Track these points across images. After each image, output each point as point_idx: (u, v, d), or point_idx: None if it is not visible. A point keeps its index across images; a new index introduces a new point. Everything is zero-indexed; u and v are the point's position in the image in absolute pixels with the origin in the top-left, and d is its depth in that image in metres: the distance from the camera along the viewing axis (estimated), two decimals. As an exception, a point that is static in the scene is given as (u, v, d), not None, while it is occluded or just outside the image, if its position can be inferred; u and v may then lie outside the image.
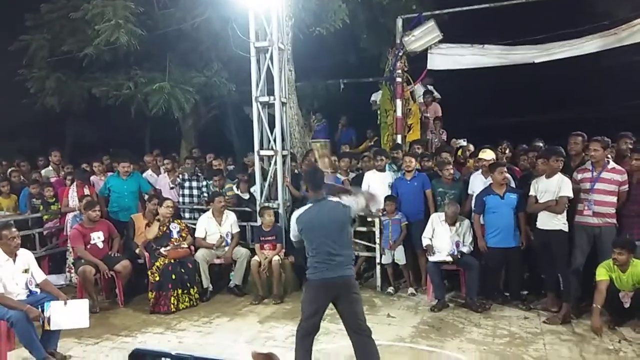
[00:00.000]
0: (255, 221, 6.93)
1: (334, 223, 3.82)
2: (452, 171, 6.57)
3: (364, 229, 6.61)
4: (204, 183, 7.69)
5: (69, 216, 7.25)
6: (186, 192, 7.72)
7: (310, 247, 3.85)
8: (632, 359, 4.41)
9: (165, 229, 6.33)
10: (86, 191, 7.33)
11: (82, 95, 9.40)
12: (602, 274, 4.97)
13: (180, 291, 5.97)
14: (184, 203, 7.71)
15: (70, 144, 12.67)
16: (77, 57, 8.56)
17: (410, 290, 6.44)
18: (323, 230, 3.79)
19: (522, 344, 4.80)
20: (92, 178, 7.82)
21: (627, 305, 4.97)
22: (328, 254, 3.76)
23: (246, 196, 7.58)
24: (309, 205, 3.95)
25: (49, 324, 4.45)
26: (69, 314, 4.56)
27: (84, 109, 9.98)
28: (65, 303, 4.55)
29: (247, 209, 7.32)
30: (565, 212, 5.34)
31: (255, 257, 6.37)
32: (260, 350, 3.52)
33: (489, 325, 5.34)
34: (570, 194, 5.31)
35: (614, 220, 5.29)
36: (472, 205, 6.20)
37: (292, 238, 4.04)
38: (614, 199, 5.28)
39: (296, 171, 7.58)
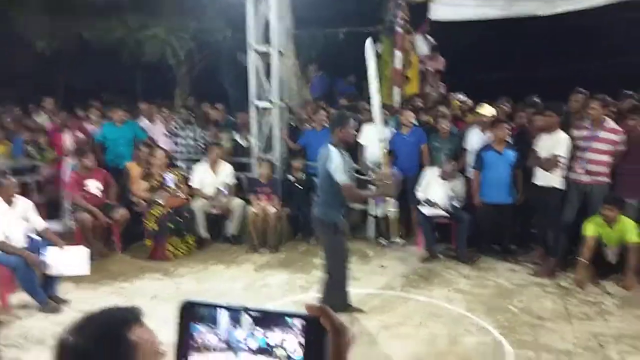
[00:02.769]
0: (251, 172, 6.96)
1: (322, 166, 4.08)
2: (448, 125, 6.56)
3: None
4: (200, 132, 7.64)
5: (67, 163, 7.23)
6: (181, 141, 7.68)
7: (339, 191, 4.04)
8: (612, 311, 4.60)
9: (160, 178, 6.35)
10: (80, 135, 7.28)
11: (73, 40, 9.17)
12: (589, 229, 5.10)
13: (177, 239, 6.08)
14: (179, 152, 7.69)
15: (62, 91, 12.45)
16: (68, 1, 8.30)
17: (399, 240, 6.57)
18: None
19: (508, 295, 4.98)
20: (88, 126, 7.75)
21: (612, 261, 5.13)
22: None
23: (246, 144, 7.55)
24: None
25: (49, 269, 4.55)
26: (67, 260, 4.66)
27: (75, 55, 9.76)
28: (62, 247, 4.63)
29: (243, 159, 7.33)
30: (561, 169, 5.39)
31: (251, 208, 6.45)
32: (255, 295, 3.64)
33: (477, 276, 5.51)
34: (562, 153, 5.33)
35: (606, 179, 5.35)
36: (469, 160, 6.24)
37: (342, 183, 3.98)
38: (609, 158, 5.31)
39: (292, 124, 7.55)
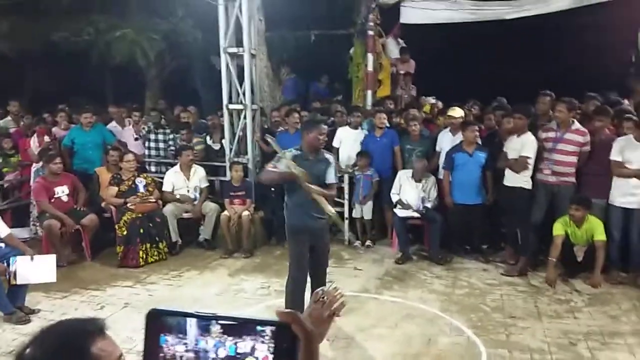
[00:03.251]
0: (224, 175, 6.89)
1: None
2: (418, 127, 6.64)
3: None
4: (171, 136, 7.53)
5: (34, 167, 7.04)
6: (152, 144, 7.56)
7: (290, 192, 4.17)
8: (581, 308, 4.72)
9: (131, 183, 6.24)
10: (46, 139, 7.09)
11: (40, 41, 8.92)
12: (558, 229, 5.22)
13: (148, 245, 5.97)
14: (149, 156, 7.56)
15: (28, 94, 12.10)
16: (34, 0, 8.07)
17: (368, 242, 6.61)
18: None
19: (481, 295, 5.06)
20: (54, 130, 7.55)
21: (580, 259, 5.27)
22: None
23: (217, 146, 7.48)
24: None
25: (15, 278, 4.41)
26: (35, 268, 4.53)
27: (42, 56, 9.50)
28: (32, 258, 4.51)
29: (216, 162, 7.25)
30: (528, 170, 5.50)
31: (225, 212, 6.39)
32: (230, 300, 3.59)
33: (450, 276, 5.58)
34: (530, 154, 5.44)
35: (573, 179, 5.49)
36: (440, 162, 6.33)
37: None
38: (574, 159, 5.45)
39: (266, 126, 7.51)
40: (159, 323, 0.71)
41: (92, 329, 1.07)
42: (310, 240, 4.12)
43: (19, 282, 4.43)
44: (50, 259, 4.69)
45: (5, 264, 4.38)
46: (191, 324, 0.70)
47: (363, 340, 4.09)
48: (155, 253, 6.05)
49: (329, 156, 4.21)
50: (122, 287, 5.30)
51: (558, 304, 4.82)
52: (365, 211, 6.59)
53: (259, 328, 0.67)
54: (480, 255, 6.08)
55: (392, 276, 5.59)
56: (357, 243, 6.65)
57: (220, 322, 0.69)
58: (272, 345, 0.67)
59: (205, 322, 0.70)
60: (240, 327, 0.68)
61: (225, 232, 6.36)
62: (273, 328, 0.67)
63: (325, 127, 4.17)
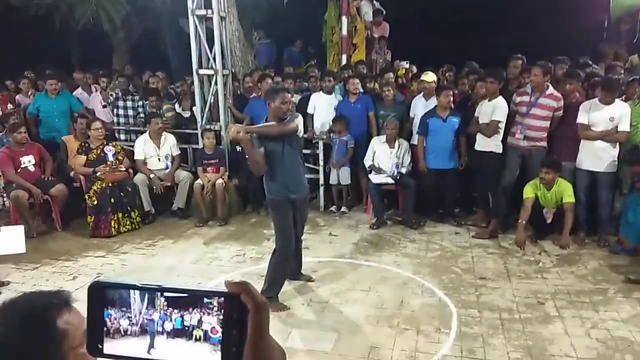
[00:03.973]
0: (197, 143, 6.78)
1: None
2: (392, 93, 6.60)
3: (308, 150, 6.64)
4: (140, 103, 7.32)
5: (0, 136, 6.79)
6: (120, 112, 7.36)
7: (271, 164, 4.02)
8: (549, 268, 4.86)
9: (99, 151, 6.09)
10: (9, 107, 6.84)
11: (-1, 4, 8.50)
12: (528, 191, 5.32)
13: (120, 215, 5.87)
14: (118, 124, 7.37)
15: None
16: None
17: (344, 208, 6.64)
18: None
19: (452, 257, 5.16)
20: (18, 97, 7.28)
21: (549, 221, 5.39)
22: None
23: (187, 114, 7.33)
24: None
25: None
26: (3, 240, 4.41)
27: (3, 20, 9.05)
28: None
29: (187, 130, 7.11)
30: (499, 134, 5.55)
31: (198, 181, 6.31)
32: (206, 268, 3.57)
33: (423, 240, 5.67)
34: (501, 118, 5.48)
35: (544, 144, 5.56)
36: (414, 127, 6.33)
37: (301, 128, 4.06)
38: (547, 123, 5.50)
39: (239, 92, 7.37)
40: (102, 296, 0.68)
41: (57, 301, 1.03)
42: (293, 211, 4.09)
43: None
44: (19, 230, 4.57)
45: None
46: (135, 297, 0.67)
47: (338, 304, 4.15)
48: (128, 222, 5.97)
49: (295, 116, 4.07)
50: (95, 258, 5.24)
51: (527, 264, 4.95)
52: (342, 177, 6.58)
53: (205, 300, 0.65)
54: (453, 219, 6.17)
55: (367, 241, 5.65)
56: (333, 208, 6.68)
57: (165, 294, 0.66)
58: (221, 316, 0.64)
59: (149, 294, 0.67)
60: (186, 299, 0.66)
61: (199, 200, 6.29)
62: (221, 299, 0.65)
63: (288, 94, 4.06)
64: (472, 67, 7.08)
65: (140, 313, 0.66)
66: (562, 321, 3.83)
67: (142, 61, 9.81)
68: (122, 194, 5.94)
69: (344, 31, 8.24)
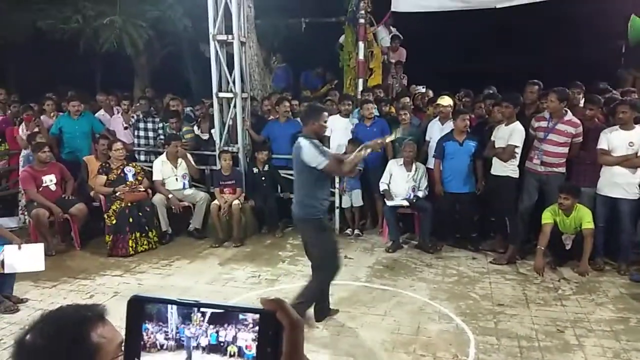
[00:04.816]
0: (215, 165, 6.86)
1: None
2: (408, 117, 6.63)
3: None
4: (160, 125, 7.46)
5: (23, 154, 6.94)
6: (141, 133, 7.49)
7: (322, 183, 3.91)
8: (569, 295, 4.77)
9: (119, 172, 6.20)
10: (35, 129, 7.00)
11: (26, 28, 8.77)
12: (547, 217, 5.26)
13: (138, 234, 5.94)
14: (139, 145, 7.50)
15: (14, 82, 11.92)
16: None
17: (357, 231, 6.63)
18: None
19: (470, 283, 5.10)
20: (42, 118, 7.45)
21: (568, 247, 5.31)
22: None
23: (206, 136, 7.44)
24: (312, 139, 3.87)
25: (2, 267, 4.37)
26: (23, 257, 4.48)
27: (29, 44, 9.35)
28: (20, 247, 4.46)
29: (206, 152, 7.21)
30: (516, 159, 5.52)
31: (215, 201, 6.36)
32: (221, 289, 3.56)
33: (440, 265, 5.62)
34: (517, 143, 5.45)
35: (562, 169, 5.50)
36: (430, 151, 6.34)
37: (323, 166, 3.75)
38: (565, 149, 5.44)
39: (257, 115, 7.47)
40: (140, 310, 0.70)
41: (92, 315, 1.05)
42: None
43: (6, 271, 4.39)
44: (39, 248, 4.65)
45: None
46: (172, 312, 0.69)
47: (354, 328, 4.12)
48: (145, 242, 6.02)
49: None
50: (112, 277, 5.28)
51: (546, 291, 4.87)
52: (354, 199, 6.60)
53: (241, 316, 0.66)
54: (470, 243, 6.12)
55: (382, 265, 5.62)
56: (348, 231, 6.67)
57: (202, 310, 0.68)
58: (256, 333, 0.66)
59: (186, 309, 0.69)
60: (222, 316, 0.67)
61: (215, 221, 6.34)
62: (256, 316, 0.66)
63: (327, 114, 4.10)
64: (490, 92, 7.09)
65: (176, 328, 0.68)
66: (582, 350, 3.74)
67: (162, 84, 10.01)
68: (140, 213, 6.02)
69: (361, 56, 8.33)
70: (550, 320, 4.24)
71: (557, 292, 4.86)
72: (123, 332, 0.96)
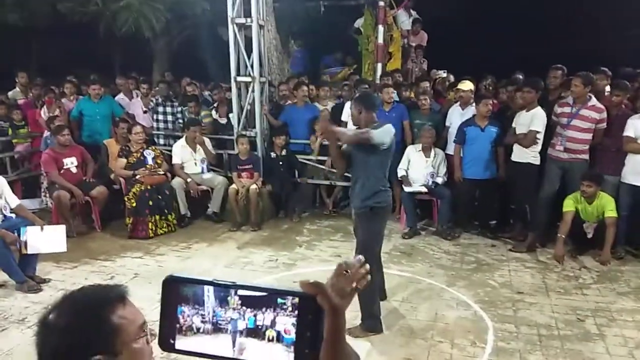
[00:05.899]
0: (232, 149, 6.87)
1: None
2: (428, 102, 6.54)
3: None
4: (179, 108, 7.48)
5: (45, 136, 7.02)
6: (160, 117, 7.52)
7: (382, 169, 3.74)
8: (589, 284, 4.71)
9: (139, 155, 6.24)
10: (57, 112, 7.08)
11: (46, 12, 8.83)
12: (569, 205, 5.18)
13: (157, 217, 6.00)
14: (158, 129, 7.54)
15: (35, 65, 12.05)
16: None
17: None
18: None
19: (488, 270, 5.06)
20: (63, 101, 7.53)
21: (589, 236, 5.23)
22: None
23: (224, 121, 7.45)
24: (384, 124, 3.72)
25: (25, 248, 4.47)
26: (46, 238, 4.58)
27: (49, 27, 9.41)
28: (42, 228, 4.55)
29: (224, 136, 7.22)
30: (537, 145, 5.41)
31: (233, 185, 6.39)
32: (239, 273, 3.56)
33: (458, 252, 5.58)
34: (539, 129, 5.34)
35: (586, 156, 5.39)
36: (449, 137, 6.25)
37: (375, 138, 3.56)
38: (589, 136, 5.33)
39: (274, 99, 7.44)
40: (176, 292, 0.69)
41: (113, 295, 1.06)
42: None
43: (29, 252, 4.49)
44: (60, 229, 4.74)
45: (16, 234, 4.42)
46: (209, 294, 0.68)
47: (370, 314, 4.11)
48: (165, 225, 6.08)
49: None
50: (132, 258, 5.35)
51: (566, 280, 4.81)
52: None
53: (279, 300, 0.65)
54: (489, 231, 6.05)
55: (400, 251, 5.60)
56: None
57: (239, 292, 0.66)
58: (295, 317, 0.64)
59: (223, 292, 0.67)
60: (260, 299, 0.66)
61: (233, 205, 6.37)
62: (295, 300, 0.65)
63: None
64: (514, 78, 6.92)
65: (213, 311, 0.67)
66: (603, 340, 3.70)
67: (181, 68, 10.03)
68: (159, 197, 6.07)
69: (380, 40, 8.22)
70: (570, 309, 4.19)
71: (578, 280, 4.80)
72: (146, 313, 0.96)
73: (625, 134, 5.15)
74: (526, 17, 9.99)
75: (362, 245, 3.85)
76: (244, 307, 0.66)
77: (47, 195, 6.56)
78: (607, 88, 5.74)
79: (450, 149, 6.24)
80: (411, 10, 9.29)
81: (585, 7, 9.50)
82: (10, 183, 6.55)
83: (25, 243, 4.45)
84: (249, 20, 6.53)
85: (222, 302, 0.67)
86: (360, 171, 3.74)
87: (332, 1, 9.15)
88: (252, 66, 6.64)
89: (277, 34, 8.14)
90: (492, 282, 4.76)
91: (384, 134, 3.63)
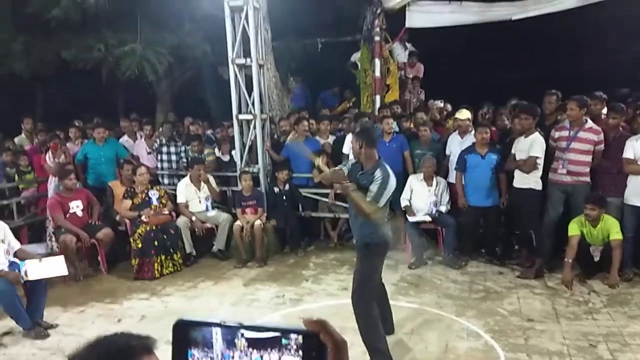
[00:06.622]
0: (236, 185, 6.93)
1: None
2: (428, 132, 6.62)
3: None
4: (182, 148, 7.59)
5: (51, 183, 7.11)
6: (164, 157, 7.62)
7: (384, 207, 3.71)
8: (600, 309, 4.65)
9: (144, 196, 6.30)
10: (62, 157, 7.19)
11: (51, 60, 9.07)
12: (574, 229, 5.17)
13: (163, 257, 6.01)
14: (162, 169, 7.63)
15: (41, 111, 12.30)
16: (44, 19, 8.20)
17: None
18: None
19: (497, 298, 5.01)
20: (68, 145, 7.65)
21: (596, 259, 5.20)
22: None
23: (226, 158, 7.54)
24: (385, 164, 3.76)
25: (27, 275, 4.47)
26: (45, 267, 4.62)
27: (54, 73, 9.65)
28: (40, 260, 4.59)
29: (227, 173, 7.30)
30: (538, 170, 5.45)
31: (238, 222, 6.41)
32: (245, 310, 3.52)
33: (466, 281, 5.54)
34: (539, 154, 5.38)
35: (587, 179, 5.43)
36: (450, 165, 6.30)
37: (381, 205, 3.64)
38: (589, 158, 5.39)
39: (275, 135, 7.54)
40: (186, 335, 0.72)
41: (139, 345, 1.07)
42: None
43: (31, 278, 4.47)
44: (59, 258, 4.78)
45: (17, 271, 4.44)
46: (217, 337, 0.70)
47: (380, 347, 4.07)
48: (170, 265, 6.09)
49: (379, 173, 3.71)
50: (139, 300, 5.34)
51: (576, 305, 4.76)
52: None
53: (284, 341, 0.68)
54: (495, 258, 6.03)
55: (407, 282, 5.57)
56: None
57: (245, 334, 0.69)
58: (300, 357, 0.67)
59: (230, 334, 0.70)
60: (265, 340, 0.69)
61: (238, 241, 6.38)
62: (299, 338, 0.67)
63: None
64: (513, 103, 6.99)
65: (222, 354, 0.70)
66: (617, 365, 3.64)
67: (184, 108, 10.22)
68: (165, 236, 6.09)
69: (377, 73, 8.38)
70: (581, 334, 4.14)
71: (588, 305, 4.75)
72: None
73: (625, 155, 5.19)
74: (521, 43, 10.18)
75: (357, 278, 3.82)
76: (251, 349, 0.69)
77: (53, 239, 6.59)
78: (604, 111, 5.82)
79: (452, 177, 6.28)
80: (406, 43, 9.49)
81: (579, 31, 9.69)
82: (17, 228, 6.64)
83: (26, 272, 4.47)
84: (248, 60, 6.70)
85: (230, 344, 0.70)
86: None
87: (328, 38, 9.39)
88: (253, 104, 6.78)
89: (276, 72, 8.32)
90: (502, 310, 4.72)
91: (387, 193, 3.66)
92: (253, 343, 0.69)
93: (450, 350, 3.98)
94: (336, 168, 4.00)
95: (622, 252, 5.04)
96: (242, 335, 0.69)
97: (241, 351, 0.69)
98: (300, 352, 0.67)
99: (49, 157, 7.29)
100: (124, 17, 8.89)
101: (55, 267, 4.65)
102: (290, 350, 0.67)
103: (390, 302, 4.96)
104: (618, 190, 5.33)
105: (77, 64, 8.89)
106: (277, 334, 0.68)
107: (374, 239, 3.73)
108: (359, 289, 3.75)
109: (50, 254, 6.69)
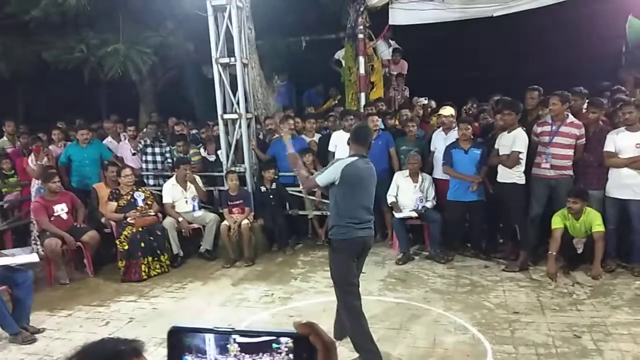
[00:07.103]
0: (222, 185, 6.92)
1: (373, 184, 3.77)
2: (415, 128, 6.68)
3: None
4: (167, 148, 7.55)
5: (34, 186, 7.03)
6: (149, 158, 7.57)
7: (343, 202, 3.63)
8: (584, 300, 4.75)
9: (129, 197, 6.26)
10: (45, 160, 7.10)
11: (31, 61, 8.94)
12: (557, 222, 5.26)
13: (150, 258, 5.97)
14: (147, 169, 7.57)
15: (22, 113, 12.11)
16: (23, 20, 8.08)
17: None
18: (364, 188, 3.70)
19: (483, 292, 5.08)
20: (51, 147, 7.55)
21: (580, 251, 5.30)
22: (365, 213, 3.70)
23: (212, 158, 7.52)
24: (354, 157, 3.66)
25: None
26: (16, 258, 4.63)
27: (35, 75, 9.52)
28: (13, 255, 4.60)
29: (213, 173, 7.28)
30: (521, 165, 5.52)
31: (225, 222, 6.40)
32: (235, 310, 3.53)
33: (452, 275, 5.61)
34: (521, 149, 5.45)
35: (570, 172, 5.53)
36: (435, 161, 6.37)
37: (320, 182, 3.68)
38: (571, 152, 5.49)
39: (261, 134, 7.53)
40: (180, 341, 0.73)
41: (127, 349, 1.07)
42: (357, 254, 3.78)
43: (1, 263, 4.48)
44: (30, 250, 4.80)
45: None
46: (210, 343, 0.72)
47: (369, 343, 4.10)
48: (158, 266, 6.05)
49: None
50: (126, 302, 5.30)
51: (560, 297, 4.85)
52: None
53: (275, 345, 0.70)
54: (481, 252, 6.10)
55: (394, 277, 5.62)
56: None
57: (237, 339, 0.71)
58: (291, 359, 0.69)
59: (223, 339, 0.72)
60: (256, 344, 0.70)
61: (225, 241, 6.37)
62: (290, 342, 0.69)
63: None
64: (496, 99, 7.08)
65: (215, 359, 0.71)
66: (600, 355, 3.72)
67: (168, 108, 10.14)
68: (151, 238, 6.06)
69: (362, 70, 8.41)
70: (566, 325, 4.22)
71: (572, 297, 4.84)
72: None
73: (606, 149, 5.29)
74: (502, 39, 10.28)
75: (332, 278, 3.83)
76: (243, 354, 0.71)
77: (38, 243, 6.51)
78: (585, 106, 5.91)
79: (437, 173, 6.34)
80: (390, 40, 9.53)
81: (560, 26, 9.80)
82: (1, 232, 6.55)
83: None
84: (232, 59, 6.67)
85: (223, 349, 0.71)
86: (330, 204, 3.80)
87: (313, 36, 9.39)
88: (237, 103, 6.76)
89: (260, 70, 8.30)
90: (488, 303, 4.79)
91: (330, 173, 3.63)
92: (245, 347, 0.71)
93: (438, 344, 4.03)
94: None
95: (604, 244, 5.14)
96: (235, 340, 0.71)
97: (234, 356, 0.71)
98: (291, 355, 0.69)
99: (31, 160, 7.20)
100: (105, 17, 8.78)
101: (26, 257, 4.66)
102: (281, 353, 0.69)
103: (379, 298, 5.05)
104: (599, 183, 5.43)
105: (58, 65, 8.77)
106: (268, 338, 0.70)
107: (334, 235, 3.71)
108: (335, 289, 3.80)
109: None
